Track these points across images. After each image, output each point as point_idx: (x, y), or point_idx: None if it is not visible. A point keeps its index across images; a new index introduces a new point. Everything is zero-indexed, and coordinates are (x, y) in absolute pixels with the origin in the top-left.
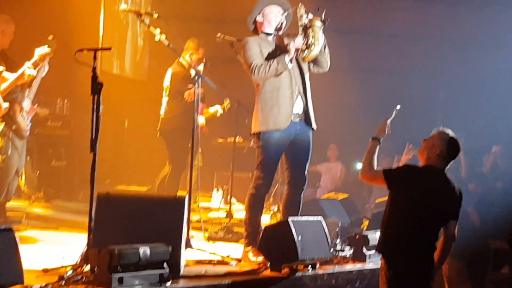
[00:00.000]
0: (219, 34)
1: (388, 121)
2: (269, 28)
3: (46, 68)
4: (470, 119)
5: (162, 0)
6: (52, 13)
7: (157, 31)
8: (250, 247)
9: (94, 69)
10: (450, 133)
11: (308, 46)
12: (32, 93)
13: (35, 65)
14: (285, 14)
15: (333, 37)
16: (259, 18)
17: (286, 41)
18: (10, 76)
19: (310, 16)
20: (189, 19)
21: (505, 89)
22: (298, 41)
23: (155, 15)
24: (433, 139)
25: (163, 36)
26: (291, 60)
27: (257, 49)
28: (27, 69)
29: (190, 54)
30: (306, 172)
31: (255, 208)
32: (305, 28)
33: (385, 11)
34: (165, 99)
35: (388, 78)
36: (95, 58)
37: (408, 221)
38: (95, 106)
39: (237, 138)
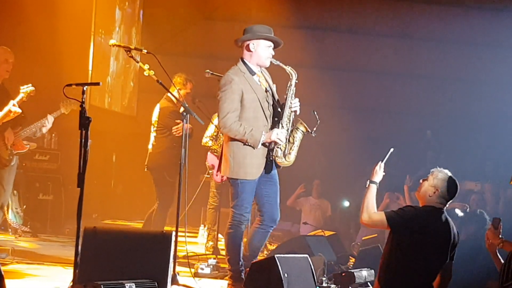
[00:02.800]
0: (207, 71)
1: (382, 163)
2: (255, 63)
3: (49, 125)
4: (457, 157)
5: (151, 36)
6: (42, 47)
7: (146, 66)
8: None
9: (82, 104)
10: (448, 173)
11: (285, 154)
12: (24, 133)
13: (19, 103)
14: (275, 62)
15: (320, 74)
16: (251, 46)
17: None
18: None
19: (297, 105)
20: (178, 54)
21: (493, 129)
22: (281, 136)
23: (144, 51)
24: (433, 179)
25: (152, 72)
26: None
27: (238, 96)
28: (12, 107)
29: (178, 89)
30: (278, 206)
31: (235, 247)
32: (291, 122)
33: (372, 49)
34: (153, 134)
35: (376, 116)
36: (83, 93)
37: (409, 262)
38: (83, 141)
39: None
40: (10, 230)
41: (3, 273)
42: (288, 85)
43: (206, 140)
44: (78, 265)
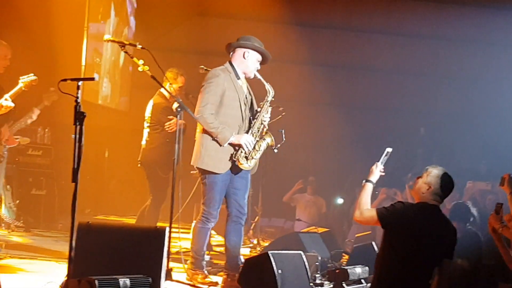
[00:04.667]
0: (201, 66)
1: (379, 164)
2: (242, 71)
3: (34, 117)
4: (450, 155)
5: (145, 31)
6: (36, 42)
7: (141, 61)
8: (197, 271)
9: (77, 99)
10: (441, 169)
11: (248, 158)
12: (15, 127)
13: (17, 93)
14: (258, 76)
15: (313, 71)
16: (246, 54)
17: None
18: None
19: (267, 120)
20: (172, 50)
21: (488, 127)
22: (249, 142)
23: (139, 46)
24: (426, 176)
25: (147, 67)
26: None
27: (220, 91)
28: (4, 101)
29: (169, 84)
30: (246, 201)
31: (202, 239)
32: (260, 133)
33: (367, 46)
34: (146, 130)
35: (369, 113)
36: (78, 88)
37: (402, 259)
38: (77, 136)
39: None
40: (3, 225)
41: None
42: (265, 100)
43: None
44: (72, 260)
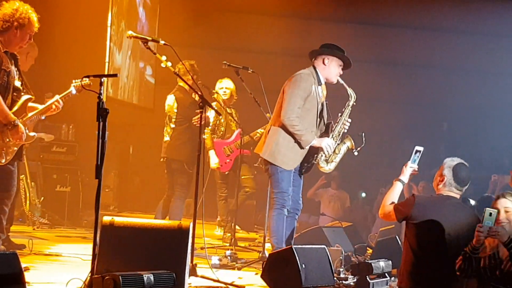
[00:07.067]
0: (224, 62)
1: (410, 163)
2: (324, 76)
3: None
4: (474, 150)
5: (166, 27)
6: (59, 39)
7: (164, 57)
8: None
9: (100, 95)
10: (457, 160)
11: (328, 162)
12: (30, 122)
13: (66, 96)
14: (341, 81)
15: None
16: (326, 61)
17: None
18: (39, 106)
19: (347, 123)
20: (193, 46)
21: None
22: (330, 146)
23: (161, 42)
24: (441, 168)
25: (169, 63)
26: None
27: (306, 95)
28: (56, 102)
29: (192, 76)
30: (301, 196)
31: (281, 227)
32: (340, 136)
33: (390, 40)
34: (171, 125)
35: (393, 108)
36: (101, 84)
37: (420, 252)
38: (100, 132)
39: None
40: (28, 221)
41: (22, 264)
42: (346, 104)
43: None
44: (96, 257)
